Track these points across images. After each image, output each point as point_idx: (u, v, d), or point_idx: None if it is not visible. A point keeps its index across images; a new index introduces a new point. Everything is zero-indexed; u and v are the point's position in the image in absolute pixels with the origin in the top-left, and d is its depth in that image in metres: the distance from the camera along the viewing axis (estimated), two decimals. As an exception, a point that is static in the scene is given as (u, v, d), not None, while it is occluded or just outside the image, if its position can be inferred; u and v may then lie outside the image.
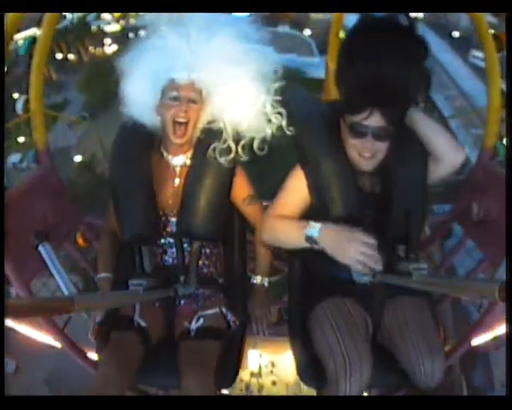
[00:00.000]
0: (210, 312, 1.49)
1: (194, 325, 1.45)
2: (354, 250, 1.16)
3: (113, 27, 26.76)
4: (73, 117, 15.37)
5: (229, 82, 1.32)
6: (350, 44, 1.26)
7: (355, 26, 1.24)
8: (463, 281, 0.98)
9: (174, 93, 1.31)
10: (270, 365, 2.94)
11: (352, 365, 1.22)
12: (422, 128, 1.29)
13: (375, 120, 1.21)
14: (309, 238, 1.24)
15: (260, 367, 2.96)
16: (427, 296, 1.47)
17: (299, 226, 1.28)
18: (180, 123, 1.33)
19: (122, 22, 26.07)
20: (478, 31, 1.64)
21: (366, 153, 1.27)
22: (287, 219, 1.36)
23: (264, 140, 1.37)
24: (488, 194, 1.77)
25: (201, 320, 1.46)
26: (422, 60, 1.20)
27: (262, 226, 1.43)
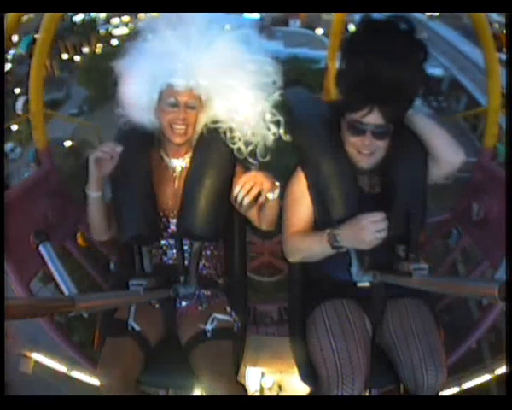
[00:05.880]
0: (222, 317, 1.47)
1: (209, 326, 1.44)
2: (369, 235, 1.19)
3: (122, 31, 26.85)
4: (69, 117, 15.31)
5: (227, 90, 1.30)
6: (351, 44, 1.27)
7: (357, 26, 1.26)
8: (463, 281, 0.99)
9: (172, 99, 1.30)
10: (276, 387, 2.30)
11: (344, 374, 1.22)
12: (422, 129, 1.30)
13: (374, 118, 1.22)
14: (336, 247, 1.28)
15: (262, 391, 2.32)
16: (429, 298, 1.46)
17: (321, 239, 1.30)
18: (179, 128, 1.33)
19: (131, 25, 26.12)
20: (478, 31, 1.65)
21: (365, 150, 1.28)
22: (305, 236, 1.38)
23: (265, 147, 1.36)
24: (488, 194, 1.77)
25: (216, 322, 1.45)
26: (422, 63, 1.21)
27: (284, 249, 1.43)
